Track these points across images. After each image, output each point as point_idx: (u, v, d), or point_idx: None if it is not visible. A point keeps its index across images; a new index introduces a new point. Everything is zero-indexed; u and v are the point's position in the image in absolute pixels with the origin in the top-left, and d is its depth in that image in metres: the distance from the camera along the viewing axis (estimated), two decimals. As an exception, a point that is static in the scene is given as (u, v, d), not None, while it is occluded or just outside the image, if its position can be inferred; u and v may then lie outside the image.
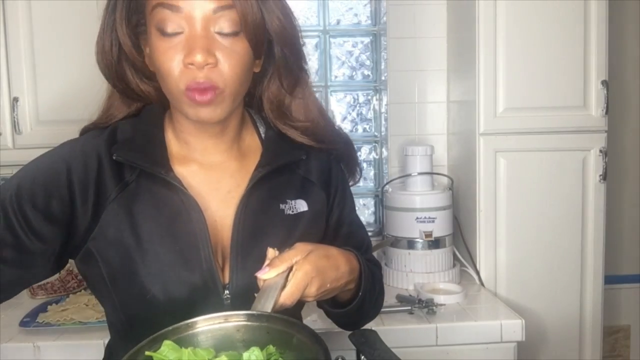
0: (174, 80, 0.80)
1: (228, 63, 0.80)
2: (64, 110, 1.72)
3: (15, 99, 1.73)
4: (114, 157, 0.84)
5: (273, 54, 0.88)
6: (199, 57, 0.77)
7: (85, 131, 0.93)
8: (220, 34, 0.79)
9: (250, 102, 0.97)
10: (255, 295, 0.76)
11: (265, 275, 0.77)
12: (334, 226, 1.00)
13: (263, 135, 0.96)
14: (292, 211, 0.92)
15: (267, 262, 0.79)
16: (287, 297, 0.76)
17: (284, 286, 0.76)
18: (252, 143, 0.96)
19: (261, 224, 0.89)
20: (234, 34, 0.79)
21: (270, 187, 0.92)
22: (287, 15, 0.85)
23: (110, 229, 0.83)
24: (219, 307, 0.85)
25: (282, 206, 0.92)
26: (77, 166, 0.83)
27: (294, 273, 0.77)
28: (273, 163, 0.92)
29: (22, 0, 1.72)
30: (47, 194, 0.81)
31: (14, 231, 0.79)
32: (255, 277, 0.78)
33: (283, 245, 0.84)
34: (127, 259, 0.83)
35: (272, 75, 0.92)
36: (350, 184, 1.06)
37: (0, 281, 0.79)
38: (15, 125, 1.74)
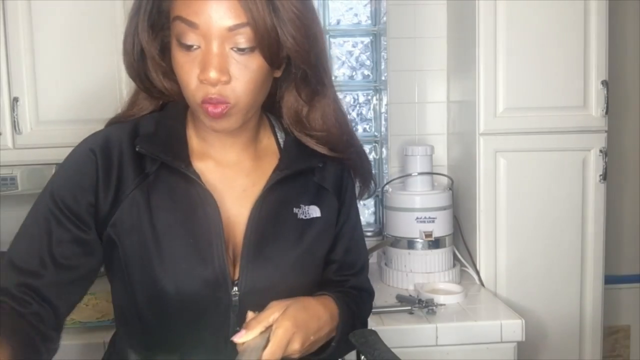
0: (190, 92, 0.82)
1: (242, 79, 0.81)
2: (64, 110, 1.72)
3: (15, 99, 1.73)
4: (137, 149, 0.87)
5: (292, 62, 0.88)
6: (212, 75, 0.78)
7: (110, 124, 0.95)
8: (235, 50, 0.80)
9: (271, 106, 0.98)
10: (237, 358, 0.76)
11: (242, 338, 0.77)
12: (335, 237, 1.00)
13: (281, 140, 0.98)
14: (305, 216, 0.94)
15: (244, 325, 0.79)
16: (269, 356, 0.76)
17: (265, 346, 0.76)
18: (269, 146, 0.97)
19: (274, 226, 0.90)
20: (250, 50, 0.80)
21: (286, 191, 0.93)
22: (304, 31, 0.83)
23: (129, 218, 0.86)
24: (227, 302, 0.87)
25: (295, 210, 0.93)
26: (101, 155, 0.87)
27: (274, 332, 0.78)
28: (291, 167, 0.93)
29: (22, 0, 1.72)
30: (80, 185, 0.85)
31: (67, 228, 0.84)
32: (262, 280, 0.79)
33: (294, 248, 0.87)
34: (143, 248, 0.85)
35: (290, 85, 0.93)
36: (365, 196, 1.06)
37: (81, 272, 0.86)
38: (15, 125, 1.74)
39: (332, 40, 2.17)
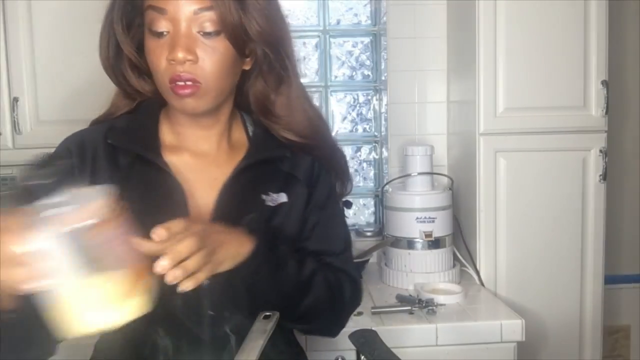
0: (160, 75, 0.88)
1: (209, 60, 0.86)
2: (63, 110, 1.72)
3: (15, 99, 1.73)
4: (108, 141, 0.92)
5: (257, 45, 0.94)
6: (179, 55, 0.84)
7: (92, 125, 1.00)
8: (201, 33, 0.86)
9: (241, 101, 1.02)
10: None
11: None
12: (306, 224, 1.01)
13: (251, 134, 1.02)
14: (273, 203, 0.96)
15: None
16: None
17: (270, 331, 0.77)
18: (241, 138, 1.02)
19: (241, 212, 0.92)
20: (215, 34, 0.86)
21: (253, 178, 0.96)
22: (268, 18, 0.90)
23: None
24: (196, 288, 0.85)
25: (263, 197, 0.96)
26: (76, 152, 0.92)
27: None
28: (257, 156, 0.97)
29: (22, 0, 1.72)
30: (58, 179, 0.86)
31: None
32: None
33: (260, 234, 0.87)
34: None
35: (257, 73, 0.98)
36: (341, 196, 1.08)
37: None
38: (15, 125, 1.74)
39: (332, 40, 2.17)
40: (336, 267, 1.02)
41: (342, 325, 1.05)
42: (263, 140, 1.00)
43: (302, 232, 1.00)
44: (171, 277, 0.71)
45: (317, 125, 1.04)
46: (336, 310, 1.02)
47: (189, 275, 0.73)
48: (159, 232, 0.70)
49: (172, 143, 0.97)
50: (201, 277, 0.75)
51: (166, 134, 0.97)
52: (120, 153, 0.92)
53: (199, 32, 0.86)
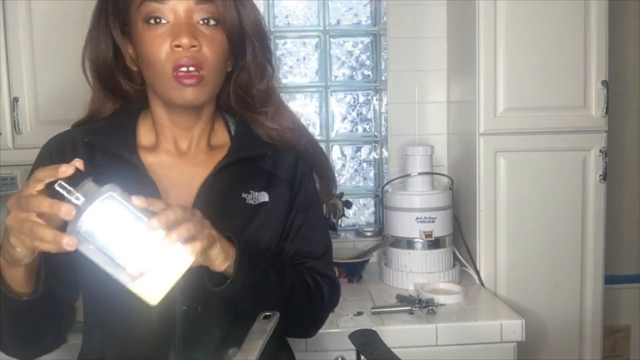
0: (160, 64, 0.88)
1: (210, 49, 0.89)
2: (64, 110, 1.71)
3: (15, 99, 1.73)
4: (85, 139, 0.94)
5: (244, 52, 0.98)
6: (185, 40, 0.86)
7: (73, 127, 1.02)
8: (201, 23, 0.89)
9: (220, 103, 1.03)
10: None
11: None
12: (290, 225, 1.01)
13: (234, 133, 1.03)
14: (254, 202, 0.97)
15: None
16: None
17: (269, 332, 0.77)
18: (223, 139, 1.02)
19: (220, 210, 0.92)
20: (214, 25, 0.89)
21: (235, 177, 0.96)
22: (259, 14, 0.97)
23: None
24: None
25: (244, 195, 0.96)
26: (56, 152, 0.94)
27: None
28: (239, 154, 0.98)
29: (22, 0, 1.72)
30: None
31: None
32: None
33: (240, 232, 0.89)
34: None
35: (243, 68, 0.99)
36: (326, 198, 1.08)
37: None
38: (15, 125, 1.74)
39: (332, 40, 2.17)
40: (318, 271, 1.02)
41: (320, 326, 1.06)
42: (245, 138, 1.01)
43: (284, 233, 1.00)
44: (168, 237, 0.70)
45: (294, 120, 1.05)
46: (315, 315, 1.04)
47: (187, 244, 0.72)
48: (137, 196, 0.70)
49: (150, 143, 0.97)
50: (198, 246, 0.73)
51: (144, 134, 0.98)
52: (98, 152, 0.93)
53: (198, 22, 0.88)
